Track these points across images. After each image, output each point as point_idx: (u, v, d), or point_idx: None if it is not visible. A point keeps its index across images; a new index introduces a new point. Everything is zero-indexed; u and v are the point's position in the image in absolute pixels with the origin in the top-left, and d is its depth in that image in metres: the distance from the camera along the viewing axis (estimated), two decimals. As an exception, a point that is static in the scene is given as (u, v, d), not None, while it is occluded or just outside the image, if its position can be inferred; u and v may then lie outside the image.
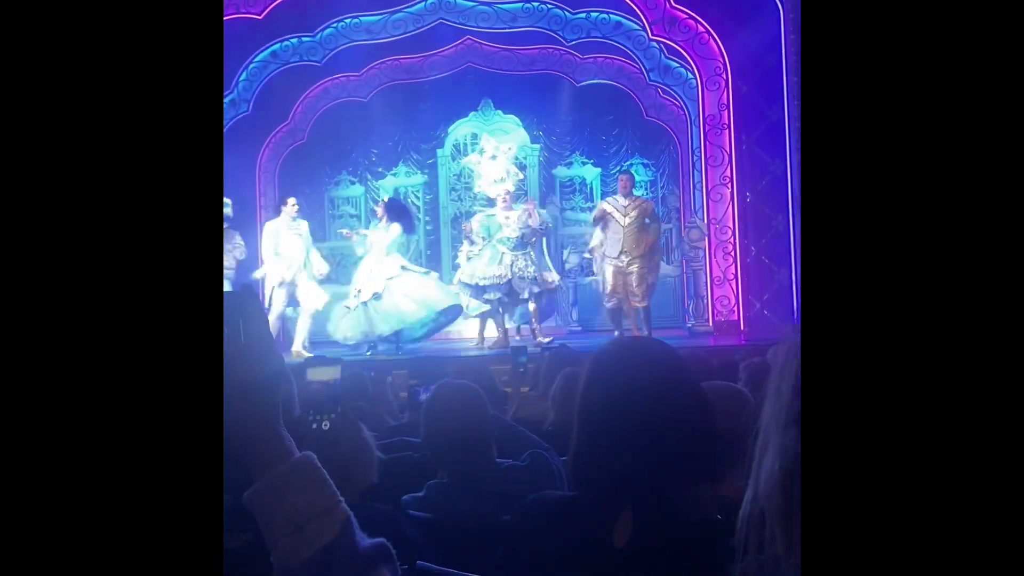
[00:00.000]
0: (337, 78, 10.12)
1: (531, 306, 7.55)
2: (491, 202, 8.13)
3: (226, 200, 7.71)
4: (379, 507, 1.64)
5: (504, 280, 7.34)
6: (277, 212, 7.92)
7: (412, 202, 10.86)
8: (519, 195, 8.23)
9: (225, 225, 7.84)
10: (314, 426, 1.40)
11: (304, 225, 7.80)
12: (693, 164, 9.51)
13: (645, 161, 10.79)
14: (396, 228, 7.36)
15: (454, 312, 7.47)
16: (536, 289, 7.43)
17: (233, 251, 7.87)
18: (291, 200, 7.84)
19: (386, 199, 8.60)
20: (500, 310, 7.64)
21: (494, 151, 8.05)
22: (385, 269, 7.20)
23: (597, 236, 7.70)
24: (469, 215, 10.57)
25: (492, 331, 7.90)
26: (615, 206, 7.54)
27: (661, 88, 9.62)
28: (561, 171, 11.05)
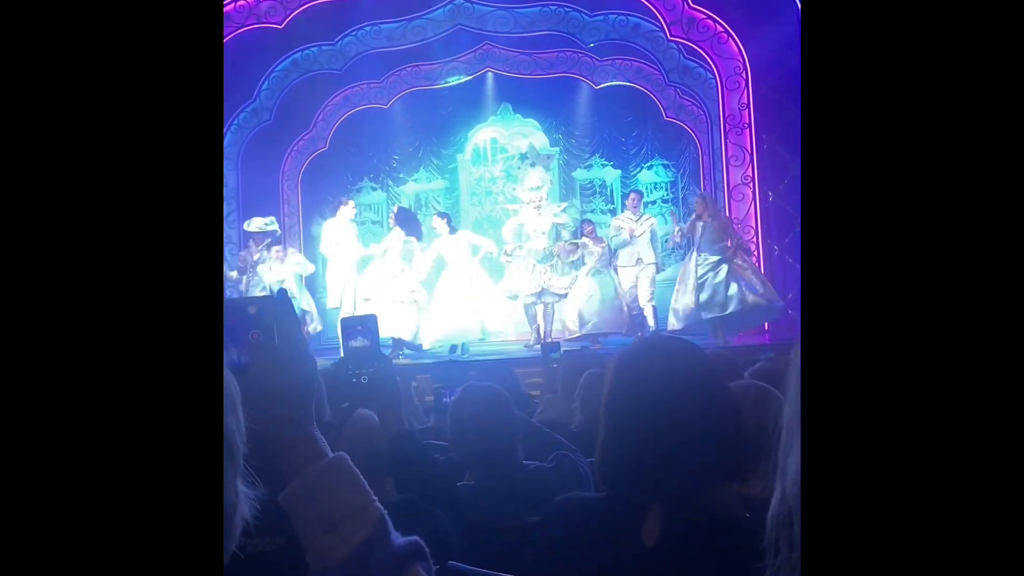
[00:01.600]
0: (357, 85, 10.20)
1: (538, 308, 7.98)
2: (513, 199, 8.27)
3: (270, 218, 7.90)
4: (415, 503, 1.67)
5: (536, 290, 7.87)
6: (333, 212, 8.01)
7: (433, 207, 10.90)
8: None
9: (271, 241, 7.97)
10: (354, 380, 1.56)
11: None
12: (714, 164, 9.46)
13: (665, 162, 10.74)
14: (396, 233, 7.55)
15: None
16: (551, 299, 7.95)
17: (296, 268, 7.97)
18: (351, 202, 7.97)
19: (396, 208, 8.70)
20: (534, 311, 8.04)
21: (534, 158, 8.22)
22: (390, 282, 7.37)
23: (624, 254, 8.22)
24: (492, 219, 10.62)
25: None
26: (625, 221, 8.18)
27: (680, 89, 9.58)
28: (581, 173, 11.04)
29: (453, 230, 7.87)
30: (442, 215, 8.04)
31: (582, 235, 8.21)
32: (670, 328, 7.58)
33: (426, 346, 7.49)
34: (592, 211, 10.60)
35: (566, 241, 7.92)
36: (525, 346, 7.87)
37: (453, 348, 7.55)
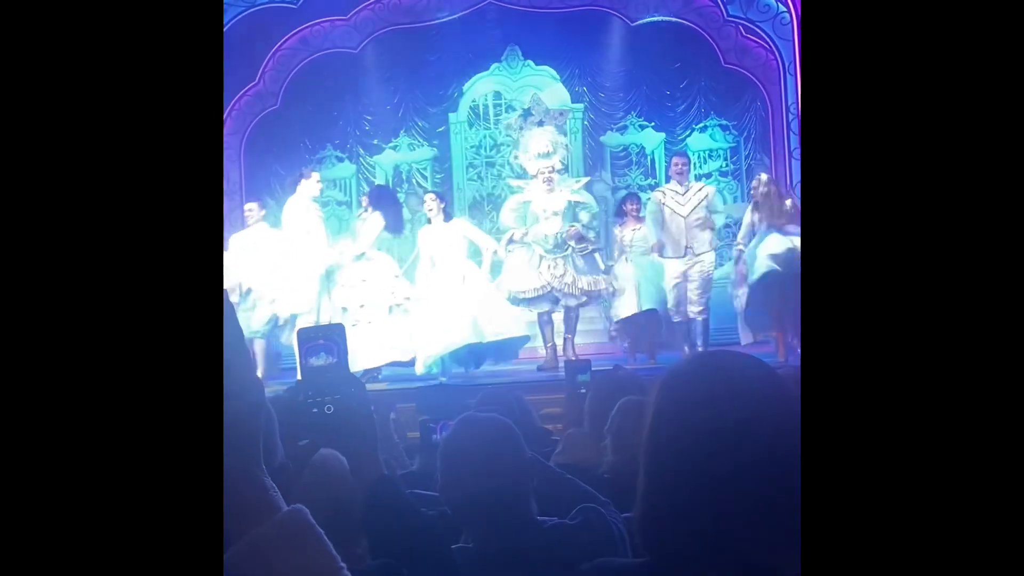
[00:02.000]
0: (319, 24, 10.23)
1: (557, 315, 7.81)
2: (523, 174, 8.10)
3: None
4: (395, 570, 1.69)
5: (546, 290, 7.60)
6: (292, 189, 7.85)
7: (417, 183, 10.92)
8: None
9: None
10: (315, 410, 1.58)
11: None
12: (788, 125, 9.45)
13: (724, 122, 10.76)
14: (376, 219, 7.50)
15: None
16: (573, 302, 7.69)
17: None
18: (314, 174, 7.81)
19: (374, 186, 8.66)
20: (549, 323, 7.85)
21: (542, 115, 7.99)
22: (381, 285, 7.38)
23: (651, 233, 7.91)
24: (494, 199, 10.61)
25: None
26: (670, 195, 7.82)
27: (743, 26, 9.57)
28: (612, 138, 11.06)
29: (448, 216, 7.80)
30: (439, 195, 7.93)
31: (623, 215, 8.14)
32: (741, 309, 7.44)
33: (419, 370, 7.48)
34: (627, 187, 10.60)
35: (576, 225, 7.61)
36: (538, 368, 7.74)
37: (446, 364, 7.56)
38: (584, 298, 7.70)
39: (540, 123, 7.95)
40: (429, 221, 7.79)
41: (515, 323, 7.66)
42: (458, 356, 7.59)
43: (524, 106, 8.50)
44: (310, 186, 7.68)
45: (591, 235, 7.80)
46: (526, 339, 7.80)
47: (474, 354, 7.65)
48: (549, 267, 7.58)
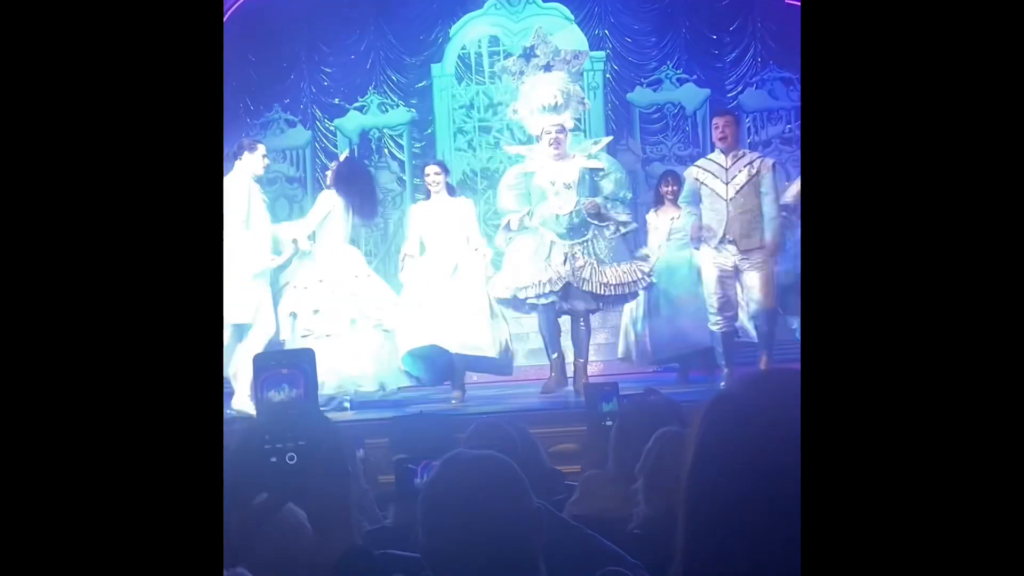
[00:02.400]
0: (262, -51, 10.26)
1: (563, 322, 7.58)
2: (528, 139, 7.96)
3: None
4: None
5: (559, 286, 7.28)
6: (229, 165, 7.39)
7: (391, 152, 10.91)
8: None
9: None
10: (273, 459, 1.62)
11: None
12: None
13: (786, 75, 10.75)
14: (327, 199, 7.49)
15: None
16: (582, 306, 7.43)
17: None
18: (260, 146, 7.51)
19: (341, 158, 8.55)
20: (555, 328, 7.57)
21: (549, 57, 7.67)
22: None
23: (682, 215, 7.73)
24: (488, 173, 10.61)
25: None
26: (711, 170, 7.34)
27: (811, -50, 9.58)
28: (642, 95, 11.06)
29: (452, 190, 7.71)
30: (443, 166, 7.80)
31: (660, 198, 8.10)
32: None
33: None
34: (663, 158, 10.59)
35: (595, 199, 7.26)
36: (543, 390, 7.55)
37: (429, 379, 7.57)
38: (596, 304, 7.46)
39: (547, 67, 7.58)
40: (427, 196, 7.68)
41: (489, 335, 7.49)
42: (410, 360, 7.53)
43: (524, 46, 8.16)
44: (253, 162, 7.39)
45: (620, 209, 7.46)
46: (491, 360, 7.65)
47: (425, 361, 7.55)
48: (565, 257, 7.28)
